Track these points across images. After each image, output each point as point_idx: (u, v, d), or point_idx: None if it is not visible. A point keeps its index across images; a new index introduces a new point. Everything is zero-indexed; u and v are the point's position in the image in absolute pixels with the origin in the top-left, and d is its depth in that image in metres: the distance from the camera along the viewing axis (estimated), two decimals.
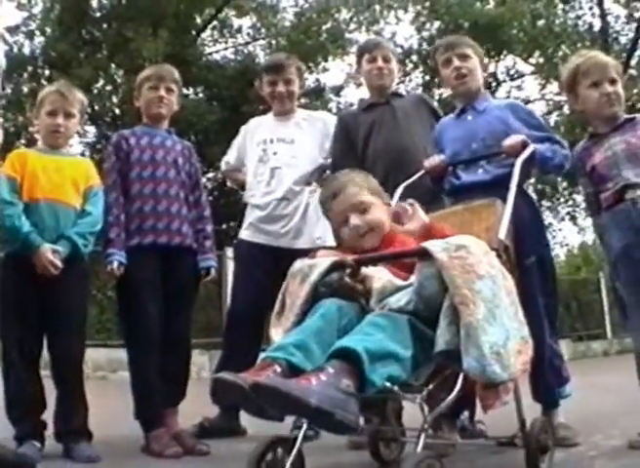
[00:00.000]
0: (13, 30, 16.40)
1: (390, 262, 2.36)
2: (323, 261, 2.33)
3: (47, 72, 15.65)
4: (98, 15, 16.14)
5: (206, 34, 18.57)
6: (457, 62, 3.42)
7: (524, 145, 3.00)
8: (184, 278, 3.59)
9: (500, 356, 2.00)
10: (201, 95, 16.75)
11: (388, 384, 1.93)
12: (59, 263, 3.18)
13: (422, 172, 3.29)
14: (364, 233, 2.51)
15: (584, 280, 15.72)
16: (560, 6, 19.03)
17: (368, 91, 4.04)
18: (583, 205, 14.34)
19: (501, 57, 19.18)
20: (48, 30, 16.22)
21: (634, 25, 18.61)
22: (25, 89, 15.53)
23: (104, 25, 16.04)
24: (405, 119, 3.79)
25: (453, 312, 2.01)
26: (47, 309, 3.23)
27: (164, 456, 3.20)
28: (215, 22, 18.28)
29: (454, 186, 3.33)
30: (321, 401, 1.74)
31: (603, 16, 18.79)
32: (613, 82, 3.23)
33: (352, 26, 18.43)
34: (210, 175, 15.19)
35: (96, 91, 15.36)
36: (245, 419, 3.74)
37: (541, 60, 18.57)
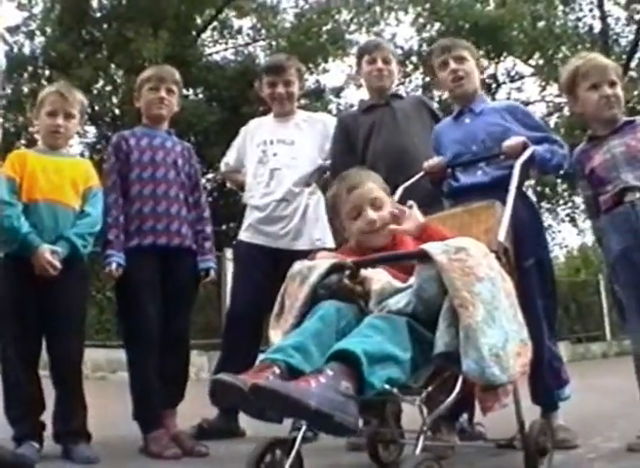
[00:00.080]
0: (13, 30, 16.41)
1: (389, 264, 2.36)
2: (322, 263, 2.33)
3: (47, 72, 15.64)
4: (98, 15, 16.14)
5: (206, 35, 18.58)
6: (453, 65, 3.42)
7: (524, 147, 3.00)
8: (184, 279, 3.59)
9: (500, 358, 2.00)
10: (201, 95, 16.75)
11: (387, 386, 1.93)
12: (57, 264, 3.18)
13: (422, 173, 3.29)
14: (377, 229, 2.50)
15: (584, 282, 15.72)
16: (560, 8, 19.07)
17: (368, 92, 4.04)
18: (583, 207, 14.34)
19: (502, 58, 19.22)
20: (48, 30, 16.22)
21: (634, 27, 18.62)
22: (25, 89, 15.53)
23: (105, 26, 16.05)
24: (405, 120, 3.79)
25: (452, 314, 2.01)
26: (46, 310, 3.23)
27: (163, 457, 3.20)
28: (215, 23, 18.28)
29: (452, 188, 3.33)
30: (320, 403, 1.74)
31: (603, 17, 18.80)
32: (612, 84, 3.23)
33: (352, 28, 18.47)
34: (209, 175, 15.19)
35: (96, 91, 15.37)
36: (244, 421, 3.74)
37: (542, 62, 18.61)
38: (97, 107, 15.21)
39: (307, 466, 2.22)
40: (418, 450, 1.91)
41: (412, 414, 2.35)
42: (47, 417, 3.25)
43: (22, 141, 14.15)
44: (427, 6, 18.38)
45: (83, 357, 3.40)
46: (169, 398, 3.51)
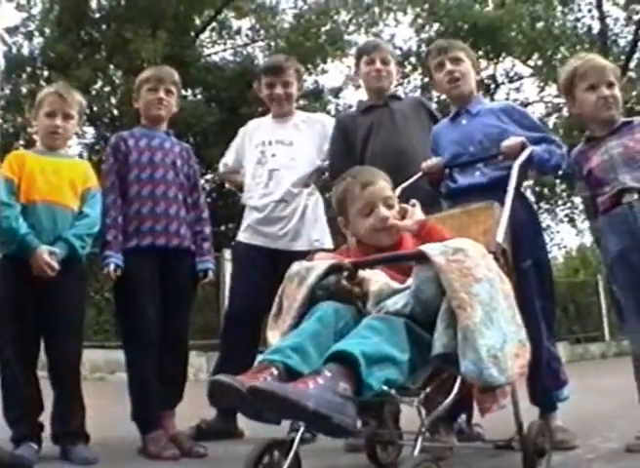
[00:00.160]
0: (12, 31, 16.39)
1: (387, 265, 2.36)
2: (320, 264, 2.32)
3: (46, 73, 15.63)
4: (97, 16, 16.12)
5: (205, 36, 18.56)
6: (449, 66, 3.42)
7: (522, 147, 3.00)
8: (182, 280, 3.59)
9: (498, 359, 2.00)
10: (200, 96, 16.73)
11: (385, 387, 1.93)
12: (55, 265, 3.18)
13: (420, 174, 3.29)
14: (388, 227, 2.49)
15: (582, 282, 15.72)
16: (559, 8, 19.07)
17: (366, 93, 4.04)
18: (582, 207, 14.35)
19: (500, 59, 19.20)
20: (47, 31, 16.20)
21: (633, 28, 18.63)
22: (24, 90, 15.51)
23: (103, 26, 16.03)
24: (403, 121, 3.79)
25: (450, 315, 2.01)
26: (44, 311, 3.23)
27: (161, 458, 3.21)
28: (214, 24, 18.26)
29: (450, 189, 3.33)
30: (318, 404, 1.74)
31: (602, 18, 18.81)
32: (610, 85, 3.23)
33: (351, 28, 18.43)
34: (208, 176, 15.17)
35: (94, 92, 15.35)
36: (242, 422, 3.73)
37: (540, 63, 18.60)
38: (95, 108, 15.19)
39: (305, 467, 2.22)
40: (416, 451, 1.91)
41: (410, 416, 2.35)
42: (45, 418, 3.25)
43: (21, 142, 14.14)
44: (426, 7, 18.36)
45: (81, 358, 3.40)
46: (167, 399, 3.51)
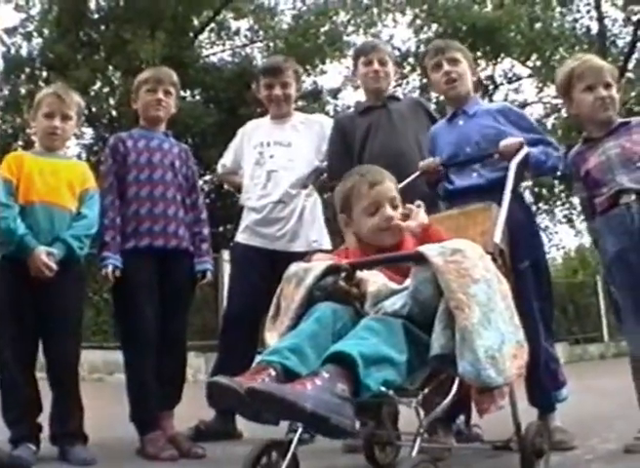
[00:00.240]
0: (10, 32, 16.39)
1: (385, 266, 2.36)
2: (318, 265, 2.32)
3: (44, 74, 15.63)
4: (95, 16, 16.13)
5: (203, 36, 18.57)
6: (446, 67, 3.42)
7: (520, 147, 3.00)
8: (181, 281, 3.59)
9: (496, 360, 2.00)
10: (198, 97, 16.73)
11: (383, 388, 1.93)
12: (53, 266, 3.18)
13: (418, 173, 3.29)
14: (392, 227, 2.49)
15: (581, 283, 15.72)
16: (558, 9, 19.09)
17: (364, 94, 4.04)
18: (580, 208, 14.36)
19: (499, 59, 19.22)
20: (46, 32, 16.21)
21: (631, 29, 18.64)
22: (23, 90, 15.51)
23: (102, 27, 16.03)
24: (401, 122, 3.79)
25: (448, 316, 2.01)
26: (42, 312, 3.23)
27: (159, 459, 3.21)
28: (212, 25, 18.27)
29: (447, 191, 3.33)
30: (316, 405, 1.74)
31: (600, 19, 18.83)
32: (607, 86, 3.23)
33: (350, 29, 18.44)
34: (207, 177, 15.17)
35: (93, 92, 15.35)
36: (241, 422, 3.73)
37: (539, 63, 18.62)
38: (94, 109, 15.18)
39: None
40: (414, 452, 1.91)
41: (408, 417, 2.35)
42: (43, 419, 3.25)
43: (20, 143, 14.14)
44: (425, 7, 18.37)
45: (80, 359, 3.40)
46: (166, 399, 3.51)
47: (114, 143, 3.66)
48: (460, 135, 3.37)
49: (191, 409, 3.63)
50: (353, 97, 16.56)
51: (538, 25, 17.89)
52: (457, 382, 2.02)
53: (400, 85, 18.54)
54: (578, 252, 20.74)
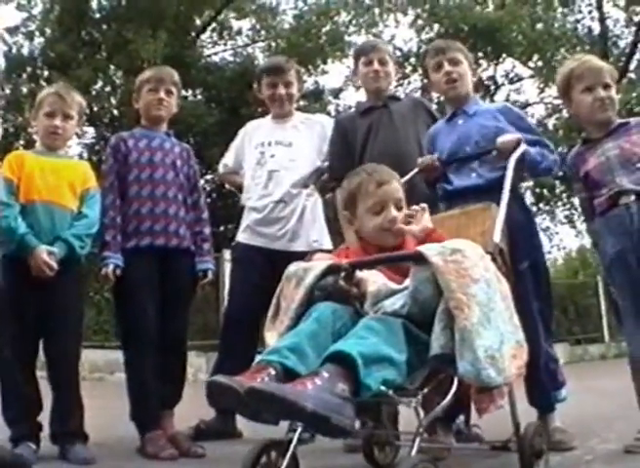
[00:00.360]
0: (12, 31, 16.39)
1: (385, 266, 2.36)
2: (318, 265, 2.32)
3: (46, 73, 15.61)
4: (97, 16, 16.11)
5: (205, 36, 18.57)
6: (447, 67, 3.42)
7: (517, 144, 3.00)
8: (182, 280, 3.59)
9: (495, 360, 2.00)
10: (200, 97, 16.72)
11: (383, 388, 1.93)
12: (54, 265, 3.18)
13: (416, 170, 3.28)
14: (395, 229, 2.48)
15: (582, 283, 15.71)
16: (559, 9, 19.07)
17: (365, 94, 4.04)
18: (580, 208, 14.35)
19: (501, 60, 19.19)
20: (47, 31, 16.19)
21: (633, 29, 18.62)
22: (24, 89, 15.49)
23: (104, 26, 16.01)
24: (402, 122, 3.79)
25: (447, 316, 2.02)
26: (43, 311, 3.24)
27: (159, 458, 3.21)
28: (214, 24, 18.26)
29: (447, 191, 3.32)
30: (316, 405, 1.74)
31: (602, 19, 18.80)
32: (606, 87, 3.22)
33: (351, 29, 18.39)
34: (208, 177, 15.16)
35: (94, 92, 15.34)
36: (241, 422, 3.74)
37: (540, 64, 18.58)
38: (95, 108, 15.19)
39: (303, 467, 2.22)
40: (413, 452, 1.91)
41: (408, 416, 2.36)
42: (44, 418, 3.25)
43: (21, 142, 14.15)
44: (426, 7, 18.34)
45: (80, 358, 3.40)
46: (166, 399, 3.51)
47: (116, 143, 3.66)
48: (460, 134, 3.37)
49: (192, 409, 3.63)
50: (355, 98, 16.56)
51: (539, 26, 17.87)
52: (456, 382, 2.02)
53: (401, 85, 18.55)
54: (579, 252, 20.75)
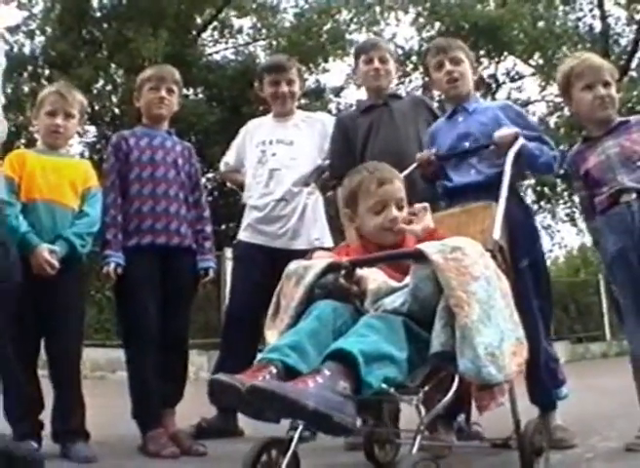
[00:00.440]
0: (13, 30, 16.37)
1: (386, 264, 2.36)
2: (318, 263, 2.32)
3: (47, 72, 15.62)
4: (98, 14, 16.11)
5: (206, 34, 18.57)
6: (449, 66, 3.41)
7: (515, 138, 3.00)
8: (183, 278, 3.59)
9: (495, 357, 2.00)
10: (201, 95, 16.73)
11: (385, 386, 1.93)
12: (55, 263, 3.18)
13: (415, 165, 3.28)
14: (396, 229, 2.48)
15: (583, 282, 15.72)
16: (561, 7, 19.05)
17: (366, 92, 4.04)
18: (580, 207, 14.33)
19: (502, 58, 19.18)
20: (48, 30, 16.20)
21: (635, 27, 18.60)
22: (26, 88, 15.49)
23: (105, 25, 16.02)
24: (403, 120, 3.78)
25: (448, 314, 2.02)
26: (44, 309, 3.24)
27: (161, 457, 3.22)
28: (215, 23, 18.26)
29: (447, 189, 3.32)
30: (318, 403, 1.74)
31: (604, 17, 18.77)
32: (606, 85, 3.22)
33: (352, 27, 18.38)
34: (209, 175, 15.17)
35: (95, 91, 15.34)
36: (242, 420, 3.74)
37: (542, 62, 18.56)
38: (96, 107, 15.21)
39: (304, 466, 2.22)
40: (414, 450, 1.90)
41: (409, 414, 2.36)
42: (45, 416, 3.25)
43: (22, 141, 14.14)
44: (427, 6, 18.32)
45: (81, 356, 3.40)
46: (168, 397, 3.51)
47: (117, 141, 3.66)
48: (460, 131, 3.37)
49: (193, 407, 3.64)
50: (356, 96, 16.53)
51: (540, 24, 17.86)
52: (457, 379, 2.02)
53: (403, 83, 18.55)
54: (580, 250, 20.75)
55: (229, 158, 4.38)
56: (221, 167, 4.55)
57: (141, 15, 15.04)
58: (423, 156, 3.31)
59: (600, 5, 18.79)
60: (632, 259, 3.02)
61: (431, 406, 2.02)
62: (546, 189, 18.92)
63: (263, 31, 18.64)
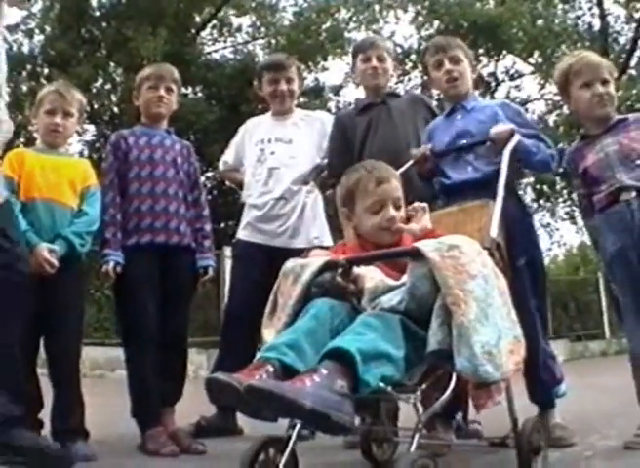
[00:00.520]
0: (12, 29, 16.37)
1: (383, 262, 2.36)
2: (315, 261, 2.32)
3: (46, 71, 15.63)
4: (97, 13, 16.11)
5: (205, 33, 18.57)
6: (448, 66, 3.41)
7: (511, 135, 3.00)
8: (182, 277, 3.60)
9: (492, 356, 2.00)
10: (200, 94, 16.73)
11: (382, 384, 1.93)
12: (54, 262, 3.18)
13: (411, 162, 3.28)
14: (393, 229, 2.47)
15: (583, 280, 15.74)
16: (560, 6, 19.05)
17: (364, 91, 4.04)
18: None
19: (501, 56, 19.19)
20: (47, 29, 16.21)
21: (634, 26, 18.60)
22: (24, 87, 15.48)
23: (104, 24, 16.01)
24: (401, 119, 3.78)
25: (445, 312, 2.01)
26: (43, 308, 3.23)
27: (160, 455, 3.22)
28: (214, 21, 18.26)
29: (444, 186, 3.32)
30: (315, 402, 1.73)
31: (603, 16, 18.78)
32: (605, 82, 3.22)
33: (352, 26, 18.40)
34: (209, 174, 15.17)
35: (95, 89, 15.35)
36: (242, 419, 3.74)
37: (541, 60, 18.57)
38: (96, 106, 15.21)
39: (303, 464, 2.21)
40: (412, 448, 1.90)
41: (407, 413, 2.36)
42: (45, 415, 3.25)
43: (22, 140, 14.14)
44: (427, 4, 18.32)
45: (81, 355, 3.40)
46: (167, 396, 3.52)
47: (116, 140, 3.67)
48: (458, 129, 3.37)
49: (192, 406, 3.64)
50: (355, 94, 16.53)
51: (540, 22, 17.86)
52: (454, 378, 2.02)
53: (402, 82, 18.56)
54: (579, 249, 20.76)
55: (228, 157, 4.39)
56: (220, 165, 4.55)
57: (141, 13, 15.04)
58: (419, 152, 3.31)
59: (599, 3, 18.80)
60: (632, 258, 3.02)
61: (429, 404, 2.02)
62: (546, 187, 18.93)
63: (262, 30, 18.66)
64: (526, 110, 17.38)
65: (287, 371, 1.94)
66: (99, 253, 3.49)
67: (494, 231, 2.39)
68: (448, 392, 2.01)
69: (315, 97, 16.55)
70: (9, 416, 2.79)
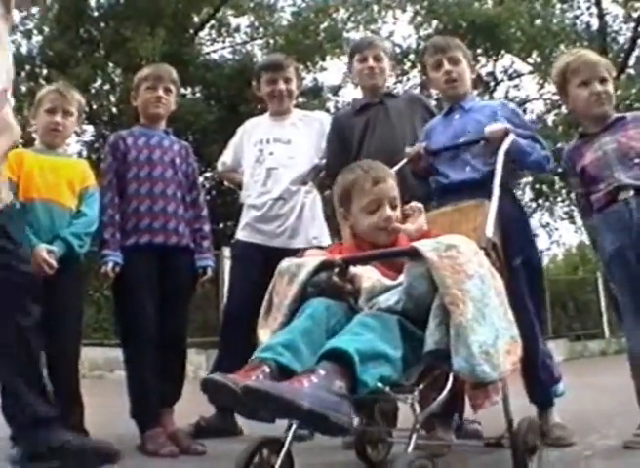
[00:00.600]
0: (10, 29, 16.35)
1: (379, 262, 2.35)
2: (311, 261, 2.31)
3: (44, 71, 15.60)
4: (95, 14, 16.08)
5: (204, 33, 18.53)
6: (447, 66, 3.41)
7: (506, 134, 3.00)
8: (181, 277, 3.60)
9: (490, 355, 2.00)
10: (199, 94, 16.70)
11: (380, 385, 1.92)
12: (53, 263, 3.19)
13: (405, 160, 3.28)
14: (389, 229, 2.47)
15: (582, 279, 15.72)
16: (558, 5, 19.04)
17: (361, 91, 4.04)
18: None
19: (500, 56, 19.18)
20: (46, 29, 16.18)
21: (632, 25, 18.61)
22: (23, 88, 15.48)
23: (102, 24, 15.98)
24: (398, 119, 3.78)
25: (442, 312, 2.01)
26: (42, 309, 3.23)
27: (159, 455, 3.22)
28: (212, 22, 18.22)
29: (442, 185, 3.32)
30: (313, 403, 1.73)
31: (601, 15, 18.78)
32: (603, 81, 3.22)
33: (350, 26, 18.37)
34: (207, 174, 15.15)
35: (93, 90, 15.32)
36: (241, 419, 3.74)
37: (539, 60, 18.56)
38: (94, 106, 15.17)
39: (299, 465, 2.21)
40: (410, 448, 1.89)
41: (404, 413, 2.36)
42: None
43: (20, 141, 14.13)
44: (425, 4, 18.31)
45: (80, 356, 3.41)
46: (166, 396, 3.51)
47: (114, 141, 3.67)
48: (455, 128, 3.37)
49: (191, 406, 3.63)
50: (353, 94, 16.52)
51: (538, 22, 17.85)
52: (451, 378, 2.02)
53: (400, 82, 18.55)
54: (578, 248, 20.74)
55: (227, 157, 4.38)
56: (219, 166, 4.55)
57: (139, 14, 15.02)
58: (413, 150, 3.30)
59: (597, 3, 18.80)
60: (630, 257, 3.02)
61: (426, 404, 2.02)
62: (545, 187, 18.93)
63: (261, 30, 18.62)
64: (525, 110, 17.43)
65: (283, 372, 1.93)
66: (97, 254, 3.49)
67: (489, 231, 2.39)
68: (445, 392, 2.01)
69: (314, 97, 16.53)
70: (43, 417, 2.83)
